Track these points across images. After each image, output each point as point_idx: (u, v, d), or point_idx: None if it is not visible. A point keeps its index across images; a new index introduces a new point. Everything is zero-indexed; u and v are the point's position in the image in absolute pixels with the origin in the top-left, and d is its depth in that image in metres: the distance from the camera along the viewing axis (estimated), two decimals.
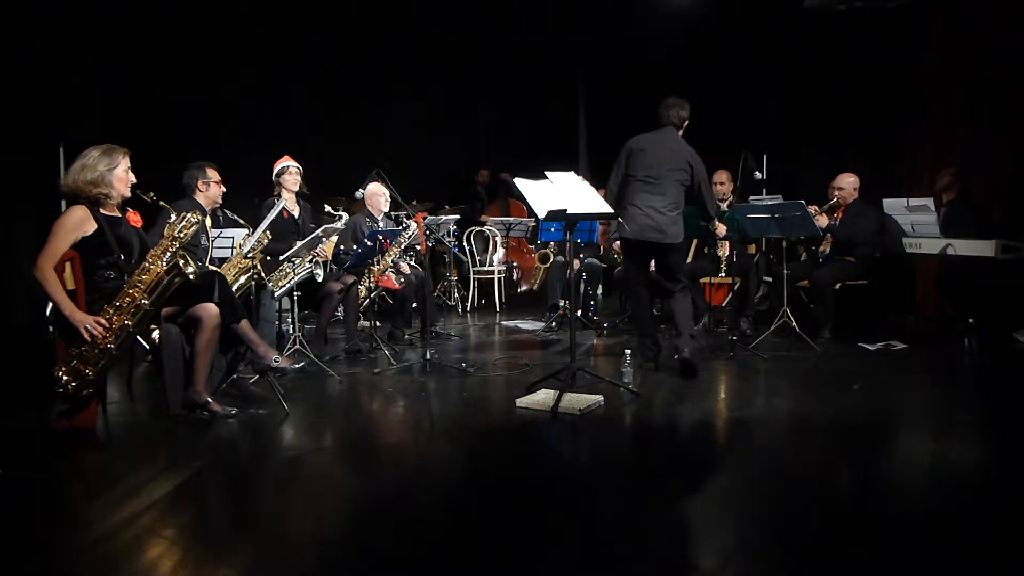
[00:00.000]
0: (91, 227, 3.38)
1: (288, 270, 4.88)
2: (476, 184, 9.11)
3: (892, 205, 5.49)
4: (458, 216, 7.13)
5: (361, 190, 5.83)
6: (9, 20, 5.17)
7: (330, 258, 5.19)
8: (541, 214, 3.87)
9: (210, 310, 3.52)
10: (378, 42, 8.25)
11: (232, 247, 4.60)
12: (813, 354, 4.98)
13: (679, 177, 4.47)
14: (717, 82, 7.34)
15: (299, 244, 4.80)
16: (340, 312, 5.49)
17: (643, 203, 4.44)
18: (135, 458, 3.18)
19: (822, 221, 5.50)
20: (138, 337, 3.49)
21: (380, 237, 5.16)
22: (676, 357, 4.50)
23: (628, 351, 4.29)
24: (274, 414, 3.70)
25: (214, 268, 4.17)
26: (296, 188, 5.16)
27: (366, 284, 5.40)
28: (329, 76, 7.99)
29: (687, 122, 4.60)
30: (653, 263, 4.76)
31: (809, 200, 5.26)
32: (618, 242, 6.55)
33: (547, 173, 4.12)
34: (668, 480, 2.92)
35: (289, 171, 5.13)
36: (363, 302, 5.54)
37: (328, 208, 5.55)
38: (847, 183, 5.65)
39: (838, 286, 5.57)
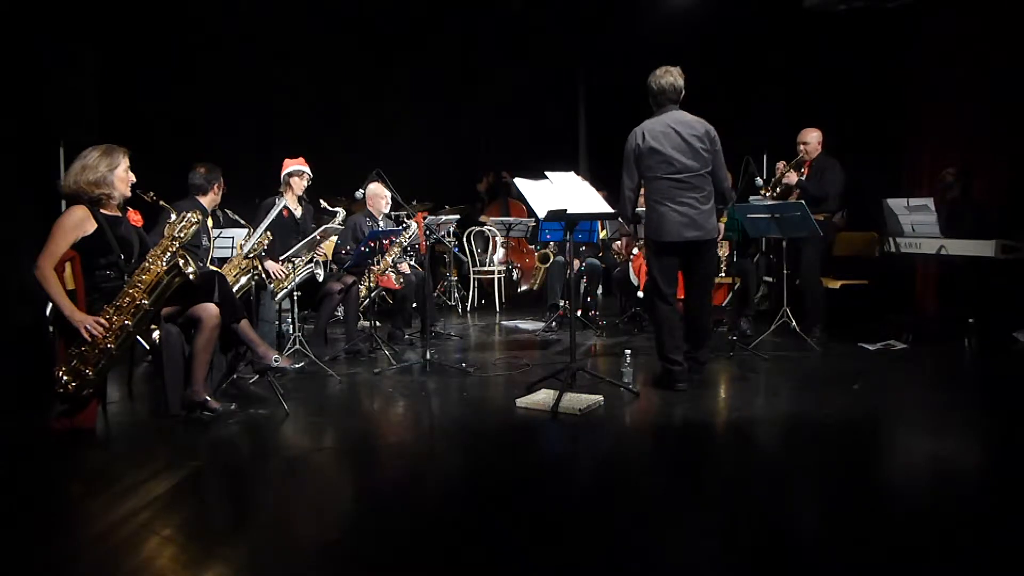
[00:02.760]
0: (91, 227, 3.38)
1: (288, 270, 4.88)
2: (479, 184, 9.12)
3: (892, 205, 5.49)
4: (458, 216, 7.14)
5: (361, 190, 5.83)
6: (9, 20, 5.17)
7: (330, 258, 5.19)
8: (541, 214, 3.87)
9: (210, 310, 3.52)
10: (378, 41, 8.25)
11: (232, 247, 4.60)
12: (813, 354, 4.98)
13: (703, 162, 4.03)
14: (717, 82, 7.34)
15: (299, 244, 4.80)
16: (340, 312, 5.49)
17: (675, 201, 4.01)
18: (135, 458, 3.18)
19: (791, 178, 5.54)
20: (138, 337, 3.49)
21: (380, 237, 5.17)
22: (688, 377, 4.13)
23: (628, 351, 4.28)
24: (274, 414, 3.70)
25: (214, 268, 4.17)
26: (301, 192, 5.18)
27: (366, 284, 5.40)
28: (329, 76, 8.00)
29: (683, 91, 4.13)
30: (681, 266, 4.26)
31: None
32: (619, 242, 6.56)
33: (547, 173, 4.12)
34: (668, 480, 2.92)
35: (302, 175, 5.14)
36: (363, 302, 5.54)
37: (324, 204, 5.55)
38: (812, 138, 5.63)
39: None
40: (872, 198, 5.85)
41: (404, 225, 5.74)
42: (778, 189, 5.72)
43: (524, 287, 8.58)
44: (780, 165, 5.67)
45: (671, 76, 4.11)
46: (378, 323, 5.53)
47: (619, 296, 6.91)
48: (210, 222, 4.53)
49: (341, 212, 5.28)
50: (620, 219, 4.71)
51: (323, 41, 7.81)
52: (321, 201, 5.59)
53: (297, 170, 5.12)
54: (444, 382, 4.42)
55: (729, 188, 4.31)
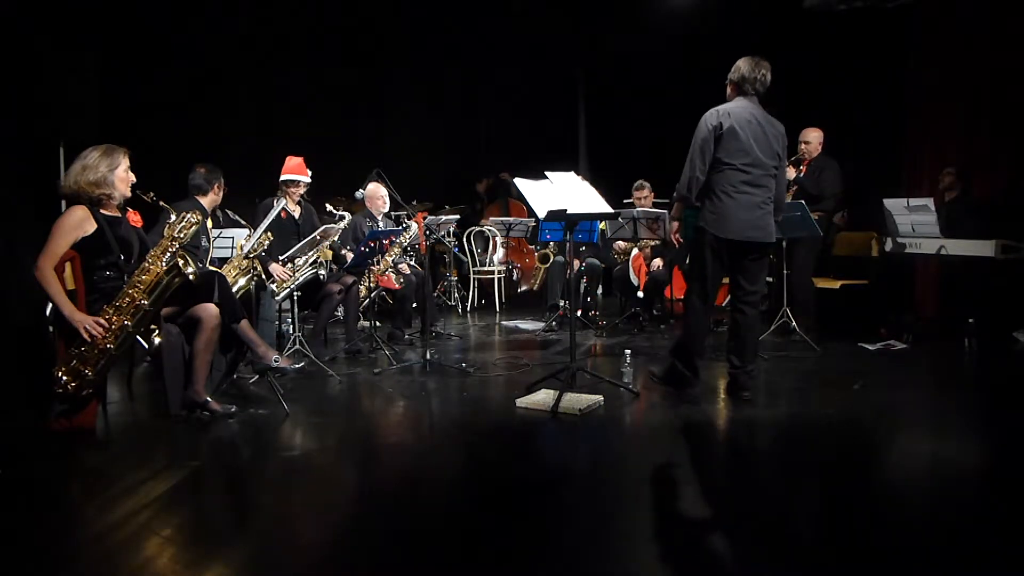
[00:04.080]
0: (91, 227, 3.38)
1: (291, 272, 4.87)
2: (478, 185, 9.13)
3: (892, 205, 5.50)
4: (458, 216, 7.14)
5: (361, 190, 5.84)
6: (9, 20, 5.17)
7: (330, 258, 5.19)
8: (541, 214, 3.87)
9: (210, 310, 3.52)
10: (379, 42, 8.26)
11: (232, 247, 4.60)
12: (813, 354, 4.98)
13: (776, 163, 3.80)
14: (717, 82, 7.34)
15: (298, 244, 4.80)
16: (340, 312, 5.49)
17: (742, 196, 3.71)
18: (135, 458, 3.18)
19: (789, 173, 5.53)
20: (138, 337, 3.49)
21: (380, 237, 5.17)
22: (738, 391, 3.84)
23: (628, 351, 4.28)
24: (274, 414, 3.70)
25: (214, 268, 4.17)
26: (296, 199, 5.17)
27: (366, 284, 5.40)
28: (329, 76, 8.00)
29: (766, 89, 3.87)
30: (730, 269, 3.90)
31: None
32: (619, 242, 6.55)
33: (547, 173, 4.12)
34: (668, 480, 2.92)
35: (298, 185, 5.12)
36: (363, 302, 5.54)
37: (329, 208, 5.55)
38: (813, 137, 5.67)
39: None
40: (872, 198, 5.85)
41: (404, 225, 5.74)
42: None
43: (524, 287, 8.59)
44: None
45: (763, 69, 3.81)
46: (378, 323, 5.54)
47: (619, 296, 6.92)
48: (209, 223, 4.52)
49: (347, 216, 5.28)
50: (677, 199, 4.11)
51: (323, 41, 7.81)
52: (327, 206, 5.58)
53: (292, 180, 5.10)
54: (444, 382, 4.42)
55: (785, 198, 4.03)
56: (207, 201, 4.47)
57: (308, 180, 5.17)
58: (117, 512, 2.51)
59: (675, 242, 4.66)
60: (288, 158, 5.14)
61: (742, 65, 3.84)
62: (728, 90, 3.93)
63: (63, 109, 5.42)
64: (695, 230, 3.89)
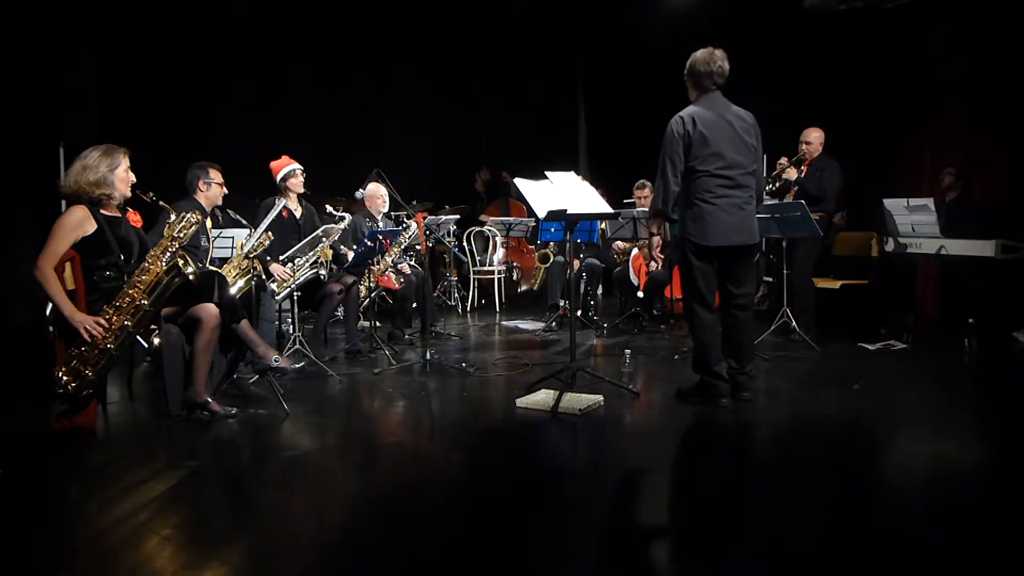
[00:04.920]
0: (91, 227, 3.38)
1: (291, 272, 4.87)
2: (475, 183, 9.12)
3: (892, 205, 5.50)
4: (458, 216, 7.14)
5: (361, 190, 5.84)
6: (9, 20, 5.17)
7: (329, 258, 5.19)
8: (541, 214, 3.87)
9: (210, 310, 3.52)
10: (379, 42, 8.26)
11: (232, 247, 4.59)
12: (813, 354, 4.98)
13: (751, 159, 3.67)
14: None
15: (298, 245, 4.80)
16: (340, 312, 5.49)
17: (723, 200, 3.59)
18: (134, 458, 3.18)
19: (790, 174, 5.54)
20: (138, 337, 3.49)
21: (380, 237, 5.16)
22: (737, 392, 3.76)
23: (628, 351, 4.28)
24: (274, 414, 3.70)
25: (214, 268, 4.17)
26: (301, 190, 5.16)
27: (366, 284, 5.39)
28: (329, 76, 8.00)
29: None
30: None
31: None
32: (619, 242, 6.56)
33: (547, 173, 4.12)
34: (668, 480, 2.92)
35: (295, 174, 5.10)
36: (363, 302, 5.54)
37: (329, 208, 5.55)
38: (814, 137, 5.64)
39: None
40: (872, 198, 5.85)
41: (404, 225, 5.74)
42: (777, 184, 5.73)
43: (524, 287, 8.58)
44: (782, 160, 5.68)
45: (718, 60, 3.65)
46: (378, 323, 5.53)
47: (619, 296, 6.91)
48: (209, 223, 4.51)
49: (347, 216, 5.28)
50: (652, 215, 3.98)
51: (323, 41, 7.81)
52: (327, 207, 5.58)
53: (290, 171, 5.09)
54: (444, 382, 4.42)
55: (763, 190, 3.90)
56: (205, 199, 4.46)
57: (301, 167, 5.14)
58: (117, 512, 2.51)
59: (658, 259, 4.53)
60: (272, 164, 5.12)
61: (696, 59, 3.67)
62: (688, 89, 3.78)
63: (63, 109, 5.42)
64: (680, 241, 3.80)
